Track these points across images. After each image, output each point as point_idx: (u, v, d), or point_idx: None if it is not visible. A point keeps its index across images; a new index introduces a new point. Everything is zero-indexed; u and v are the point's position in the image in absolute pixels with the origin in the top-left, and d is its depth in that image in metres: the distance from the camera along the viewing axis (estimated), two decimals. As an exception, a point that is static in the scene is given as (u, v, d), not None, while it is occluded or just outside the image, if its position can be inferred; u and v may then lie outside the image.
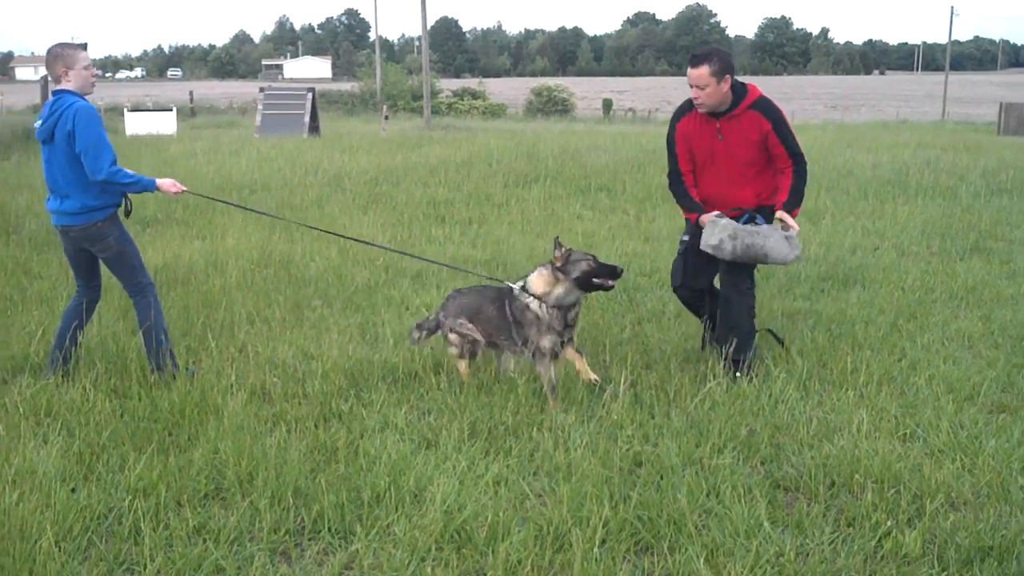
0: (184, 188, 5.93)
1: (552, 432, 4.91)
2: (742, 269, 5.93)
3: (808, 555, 3.78)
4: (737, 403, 5.33)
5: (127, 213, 5.80)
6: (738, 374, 5.75)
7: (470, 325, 5.75)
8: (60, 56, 5.53)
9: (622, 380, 5.49)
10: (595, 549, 3.75)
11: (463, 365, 5.78)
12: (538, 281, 5.51)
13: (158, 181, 5.74)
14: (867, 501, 4.17)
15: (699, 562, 3.66)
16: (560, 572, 3.69)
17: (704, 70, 5.66)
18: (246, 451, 4.57)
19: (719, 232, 5.72)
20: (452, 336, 5.78)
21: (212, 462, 4.55)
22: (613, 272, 5.56)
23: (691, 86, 5.77)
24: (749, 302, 6.01)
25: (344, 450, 4.70)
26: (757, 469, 4.61)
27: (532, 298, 5.49)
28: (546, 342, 5.44)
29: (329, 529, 3.99)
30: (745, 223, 5.78)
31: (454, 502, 4.11)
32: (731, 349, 5.85)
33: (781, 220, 5.74)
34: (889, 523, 3.99)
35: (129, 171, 5.57)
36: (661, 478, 4.41)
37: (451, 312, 5.87)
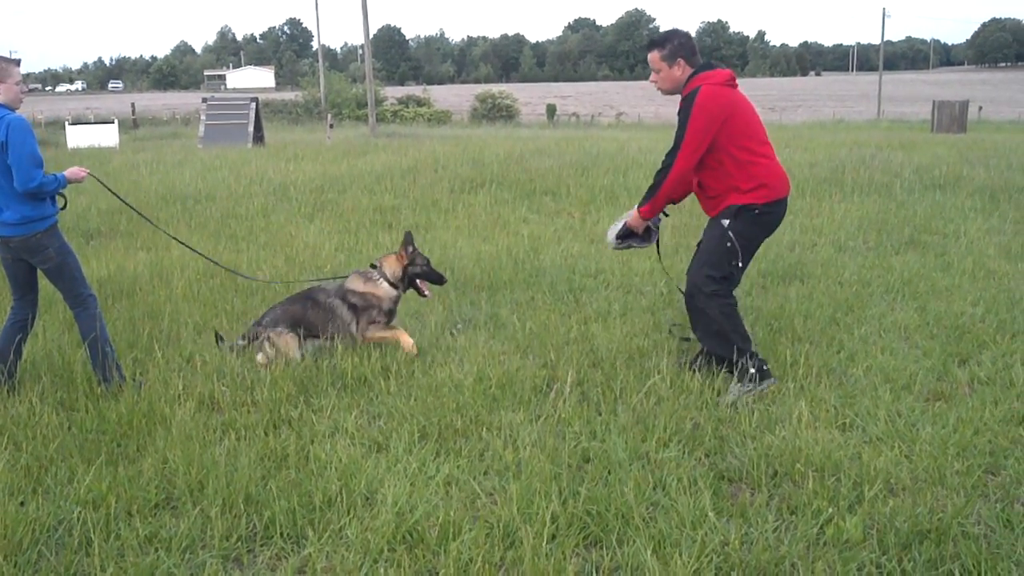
0: (87, 170, 5.93)
1: (501, 431, 4.97)
2: (708, 263, 5.69)
3: (752, 543, 3.87)
4: (681, 398, 5.42)
5: (63, 206, 5.83)
6: (737, 388, 5.50)
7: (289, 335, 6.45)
8: None
9: (569, 378, 5.58)
10: (545, 544, 3.80)
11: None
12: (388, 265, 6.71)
13: (65, 173, 5.71)
14: (808, 489, 4.27)
15: (647, 553, 3.73)
16: (511, 568, 3.74)
17: (655, 54, 5.61)
18: (196, 460, 4.56)
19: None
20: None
21: (162, 472, 4.54)
22: (440, 279, 6.92)
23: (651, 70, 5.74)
24: (719, 303, 5.65)
25: (295, 456, 4.72)
26: (702, 461, 4.70)
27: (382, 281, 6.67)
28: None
29: (281, 534, 4.00)
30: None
31: (405, 503, 4.14)
32: (718, 350, 5.67)
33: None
34: (830, 510, 4.08)
35: (48, 175, 5.55)
36: (609, 473, 4.48)
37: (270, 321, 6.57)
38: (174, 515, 4.20)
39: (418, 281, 6.79)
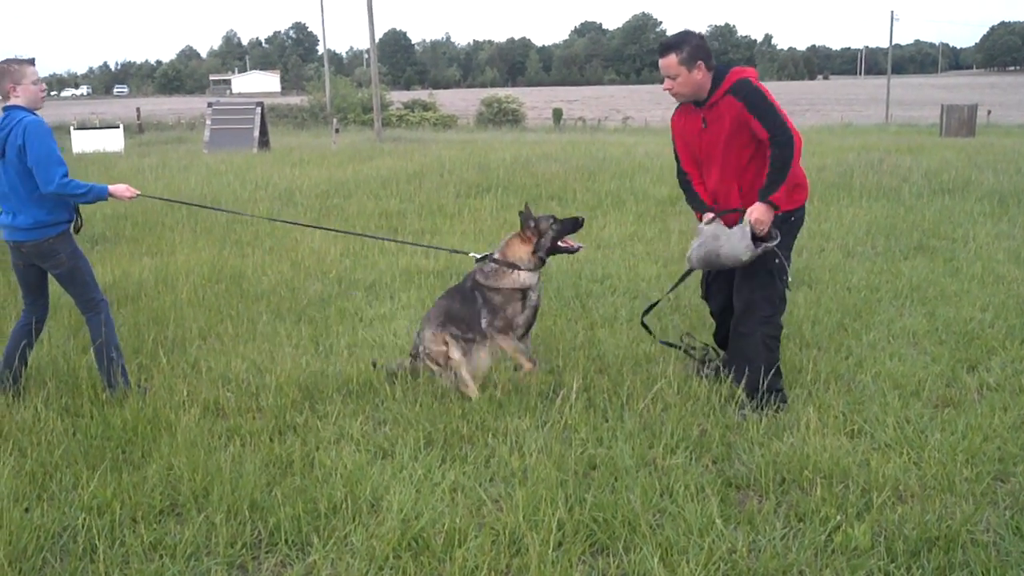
0: (138, 192, 5.89)
1: (507, 438, 4.95)
2: (760, 286, 5.41)
3: (760, 551, 3.85)
4: (688, 404, 5.39)
5: (77, 229, 5.77)
6: (747, 411, 5.31)
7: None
8: (6, 72, 5.48)
9: (575, 384, 5.56)
10: (551, 552, 3.79)
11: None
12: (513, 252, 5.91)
13: (110, 187, 5.68)
14: (816, 496, 4.25)
15: (653, 561, 3.71)
16: (517, 575, 3.72)
17: (672, 58, 5.26)
18: (200, 466, 4.55)
19: (694, 242, 5.49)
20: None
21: (166, 478, 4.53)
22: (576, 225, 5.97)
23: (664, 77, 5.38)
24: (767, 331, 5.43)
25: (300, 462, 4.70)
26: (709, 468, 4.68)
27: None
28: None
29: (286, 541, 3.99)
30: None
31: (411, 510, 4.13)
32: (744, 381, 5.44)
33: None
34: (838, 517, 4.06)
35: (81, 181, 5.54)
36: (615, 480, 4.46)
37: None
38: (179, 522, 4.19)
39: (559, 243, 5.94)
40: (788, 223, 5.37)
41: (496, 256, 5.93)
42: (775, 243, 5.21)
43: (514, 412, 5.35)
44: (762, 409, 5.31)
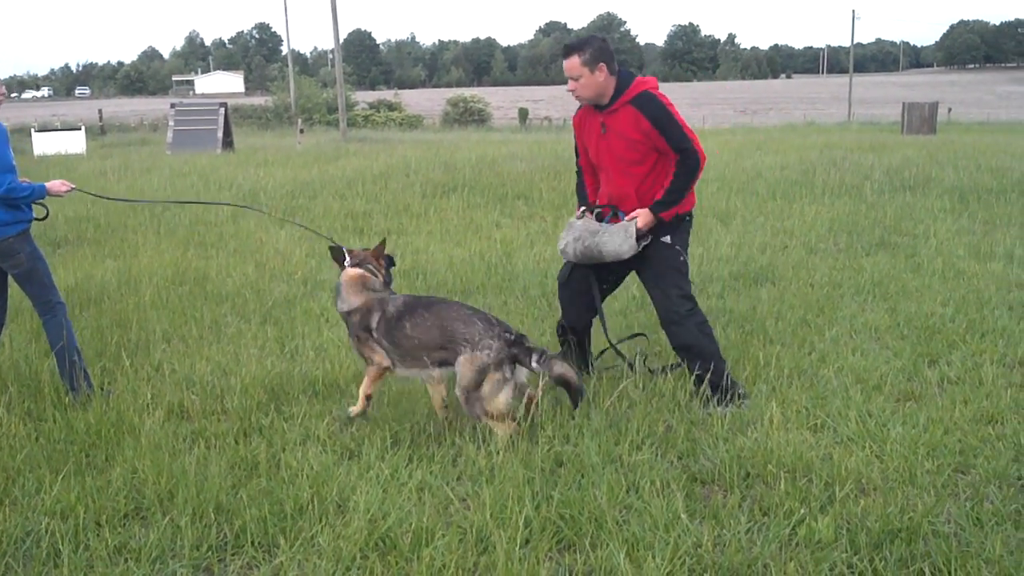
0: (73, 186, 5.86)
1: (474, 436, 4.94)
2: (673, 284, 5.57)
3: (725, 545, 3.87)
4: (654, 401, 5.42)
5: (44, 217, 5.83)
6: (717, 406, 5.38)
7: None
8: None
9: (541, 383, 5.57)
10: (518, 549, 3.79)
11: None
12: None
13: (47, 184, 5.66)
14: (780, 490, 4.28)
15: (620, 556, 3.72)
16: (484, 573, 3.72)
17: (575, 60, 5.32)
18: (165, 469, 4.52)
19: (566, 235, 5.64)
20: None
21: (131, 481, 4.49)
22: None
23: (567, 78, 5.43)
24: (697, 320, 5.55)
25: (266, 464, 4.68)
26: (674, 464, 4.71)
27: None
28: None
29: (252, 543, 3.96)
30: (608, 220, 5.58)
31: (378, 510, 4.12)
32: (698, 374, 5.50)
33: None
34: (802, 511, 4.10)
35: (23, 183, 5.49)
36: (582, 476, 4.47)
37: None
38: (143, 525, 4.16)
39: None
40: (684, 223, 5.61)
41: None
42: (647, 241, 5.46)
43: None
44: (730, 401, 5.43)
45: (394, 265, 5.75)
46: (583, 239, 5.51)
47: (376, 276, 5.42)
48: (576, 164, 5.94)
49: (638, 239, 5.41)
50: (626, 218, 5.47)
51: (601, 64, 5.31)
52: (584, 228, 5.54)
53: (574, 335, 5.94)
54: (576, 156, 5.93)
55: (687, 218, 5.65)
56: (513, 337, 4.92)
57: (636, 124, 5.35)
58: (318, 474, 4.48)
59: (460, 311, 5.07)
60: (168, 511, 4.20)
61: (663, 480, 4.41)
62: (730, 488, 4.41)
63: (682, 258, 5.58)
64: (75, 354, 5.74)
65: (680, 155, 5.35)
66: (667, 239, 5.54)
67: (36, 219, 5.76)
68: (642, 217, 5.39)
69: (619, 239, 5.40)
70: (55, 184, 5.73)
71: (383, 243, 5.61)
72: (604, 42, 5.44)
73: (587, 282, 5.78)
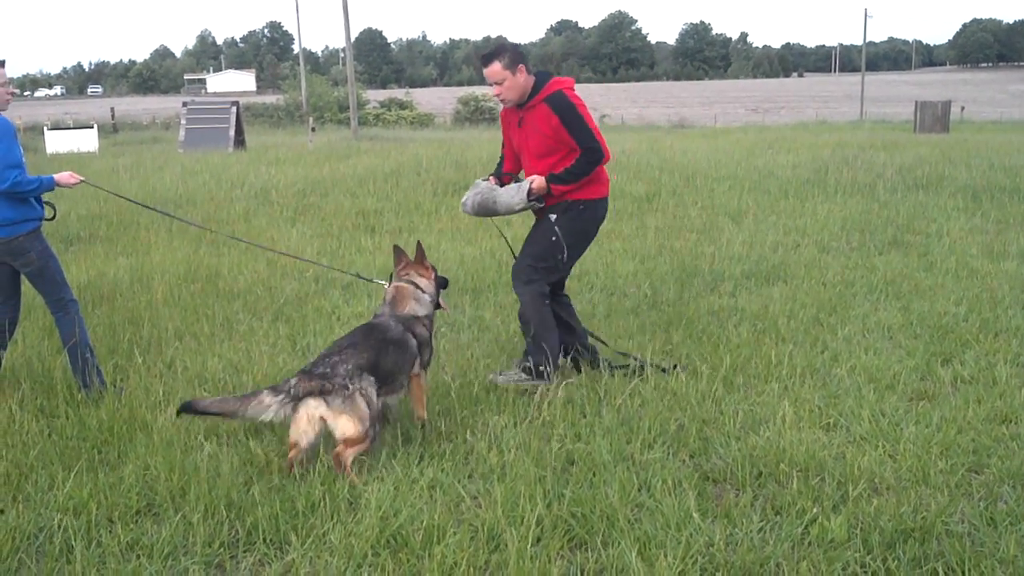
0: (81, 177, 5.87)
1: (486, 434, 4.95)
2: (534, 255, 5.95)
3: (737, 544, 3.86)
4: (666, 399, 5.42)
5: (51, 218, 5.79)
6: (519, 371, 5.80)
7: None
8: None
9: (553, 381, 5.57)
10: (530, 547, 3.78)
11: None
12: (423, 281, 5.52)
13: (55, 176, 5.67)
14: (793, 489, 4.27)
15: (632, 555, 3.72)
16: (496, 572, 3.73)
17: (496, 66, 5.71)
18: (177, 466, 4.53)
19: (470, 192, 6.08)
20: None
21: (143, 478, 4.50)
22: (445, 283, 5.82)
23: (490, 84, 5.81)
24: (532, 288, 5.88)
25: (277, 461, 4.68)
26: (686, 462, 4.70)
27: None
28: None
29: (264, 540, 3.97)
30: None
31: (389, 507, 4.12)
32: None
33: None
34: (815, 510, 4.09)
35: (31, 176, 5.50)
36: (593, 475, 4.47)
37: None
38: (156, 522, 4.16)
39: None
40: (576, 211, 5.89)
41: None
42: (541, 205, 5.83)
43: (492, 409, 5.36)
44: (535, 373, 5.74)
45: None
46: (482, 194, 5.95)
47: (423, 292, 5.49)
48: (501, 151, 6.34)
49: (530, 198, 5.77)
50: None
51: (520, 66, 5.73)
52: (486, 187, 5.99)
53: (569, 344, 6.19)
54: (502, 145, 6.30)
55: (581, 206, 5.89)
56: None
57: (547, 120, 5.74)
58: (329, 471, 4.49)
59: None
60: (180, 508, 4.21)
61: (675, 479, 4.41)
62: (742, 487, 4.40)
63: (554, 238, 5.88)
64: (88, 351, 5.76)
65: (584, 152, 5.73)
66: (552, 217, 5.90)
67: (44, 219, 5.76)
68: (537, 180, 5.76)
69: (512, 192, 5.83)
70: (63, 176, 5.75)
71: (420, 249, 5.69)
72: (516, 46, 5.97)
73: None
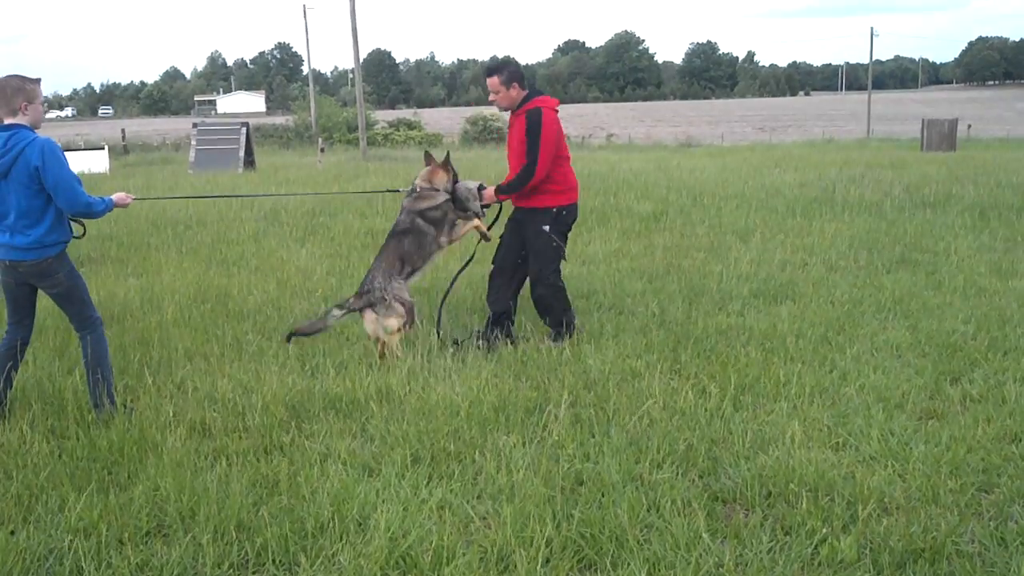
0: (133, 196, 6.11)
1: (494, 454, 4.95)
2: (543, 261, 7.21)
3: (747, 564, 3.86)
4: (675, 419, 5.42)
5: (81, 236, 5.94)
6: (551, 342, 7.10)
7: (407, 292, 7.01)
8: (22, 90, 5.43)
9: (562, 401, 5.58)
10: (539, 568, 3.79)
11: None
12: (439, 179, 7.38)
13: (112, 197, 5.81)
14: (803, 509, 4.26)
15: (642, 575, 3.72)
16: (505, 592, 3.73)
17: (495, 79, 7.03)
18: (187, 486, 4.54)
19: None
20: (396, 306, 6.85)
21: (153, 499, 4.51)
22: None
23: (489, 91, 7.14)
24: (554, 283, 7.30)
25: (286, 482, 4.69)
26: (695, 482, 4.69)
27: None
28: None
29: (273, 561, 3.98)
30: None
31: (398, 528, 4.12)
32: (550, 321, 7.37)
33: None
34: (824, 530, 4.08)
35: (96, 197, 5.63)
36: (602, 495, 4.47)
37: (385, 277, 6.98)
38: (165, 543, 4.17)
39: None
40: (561, 216, 7.22)
41: (421, 183, 7.33)
42: (482, 216, 7.46)
43: (501, 429, 5.37)
44: (563, 338, 7.15)
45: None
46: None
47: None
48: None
49: (482, 204, 7.35)
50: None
51: (514, 83, 7.06)
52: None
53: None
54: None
55: (564, 212, 7.24)
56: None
57: (522, 128, 7.00)
58: (338, 492, 4.49)
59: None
60: (190, 529, 4.22)
61: (684, 499, 4.40)
62: (752, 507, 4.39)
63: (554, 244, 7.19)
64: (106, 371, 5.78)
65: (525, 163, 6.97)
66: (546, 228, 7.16)
67: (75, 237, 5.81)
68: (488, 192, 7.28)
69: (471, 186, 7.36)
70: (120, 196, 5.92)
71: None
72: (518, 65, 7.19)
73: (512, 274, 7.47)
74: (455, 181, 7.33)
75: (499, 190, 7.20)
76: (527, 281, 7.48)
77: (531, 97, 7.09)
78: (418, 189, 7.30)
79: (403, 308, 6.82)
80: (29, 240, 5.46)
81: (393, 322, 6.78)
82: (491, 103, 7.20)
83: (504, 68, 7.05)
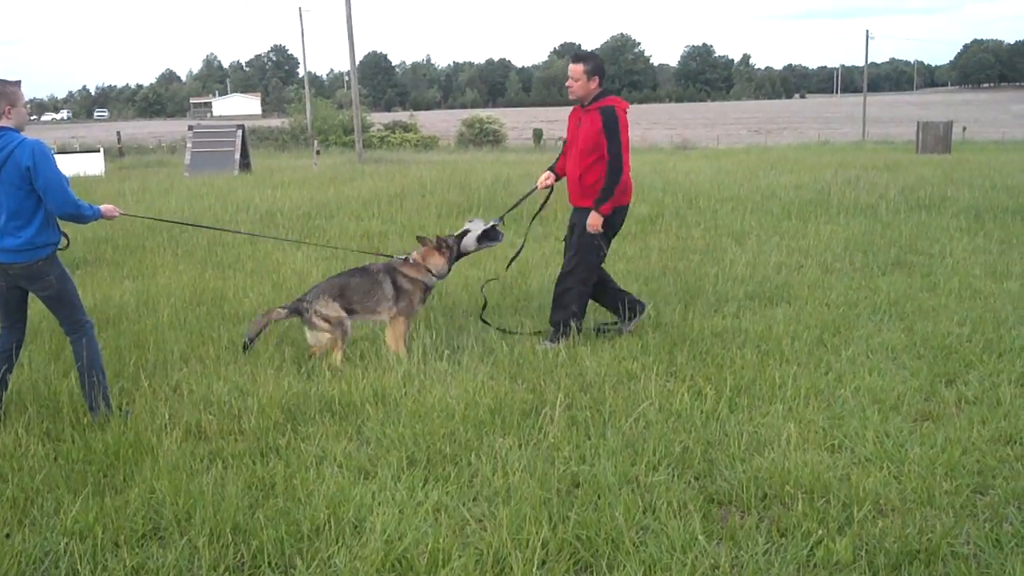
0: (121, 210, 6.07)
1: (490, 457, 4.95)
2: (582, 258, 7.35)
3: (743, 566, 3.87)
4: (670, 421, 5.43)
5: (64, 247, 5.84)
6: (546, 343, 7.22)
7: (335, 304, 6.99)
8: (3, 94, 5.43)
9: (558, 403, 5.58)
10: (535, 570, 3.79)
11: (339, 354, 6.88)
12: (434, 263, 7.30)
13: (101, 208, 5.80)
14: (798, 511, 4.27)
15: (637, 577, 3.72)
16: (501, 594, 3.73)
17: (580, 67, 7.18)
18: (183, 489, 4.54)
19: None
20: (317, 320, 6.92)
21: (149, 502, 4.51)
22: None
23: (569, 77, 7.26)
24: (584, 278, 7.44)
25: (282, 484, 4.69)
26: (691, 484, 4.70)
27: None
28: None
29: (269, 564, 3.97)
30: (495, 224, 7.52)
31: (394, 531, 4.12)
32: (552, 318, 7.57)
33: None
34: (820, 532, 4.09)
35: (85, 203, 5.62)
36: (598, 497, 4.47)
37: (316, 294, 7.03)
38: (161, 546, 4.17)
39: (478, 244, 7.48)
40: (610, 218, 7.23)
41: (417, 257, 7.30)
42: (493, 244, 7.61)
43: (497, 431, 5.37)
44: (558, 339, 7.22)
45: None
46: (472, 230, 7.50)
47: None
48: (563, 149, 7.73)
49: (480, 239, 7.43)
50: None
51: (596, 77, 7.20)
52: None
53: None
54: (564, 144, 7.73)
55: (611, 213, 7.23)
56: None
57: (595, 124, 7.09)
58: (334, 495, 4.49)
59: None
60: (186, 532, 4.22)
61: (680, 501, 4.41)
62: (747, 509, 4.40)
63: (596, 242, 7.29)
64: (100, 374, 5.78)
65: (608, 160, 7.06)
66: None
67: (59, 249, 5.80)
68: (592, 220, 7.16)
69: (479, 224, 7.51)
70: (108, 208, 5.91)
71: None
72: (603, 62, 7.39)
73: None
74: (459, 245, 7.40)
75: (598, 205, 7.13)
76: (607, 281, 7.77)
77: (605, 95, 7.23)
78: (411, 260, 7.30)
79: (327, 324, 6.90)
80: (20, 242, 5.46)
81: (325, 338, 6.89)
82: (567, 87, 7.29)
83: (591, 59, 7.25)
